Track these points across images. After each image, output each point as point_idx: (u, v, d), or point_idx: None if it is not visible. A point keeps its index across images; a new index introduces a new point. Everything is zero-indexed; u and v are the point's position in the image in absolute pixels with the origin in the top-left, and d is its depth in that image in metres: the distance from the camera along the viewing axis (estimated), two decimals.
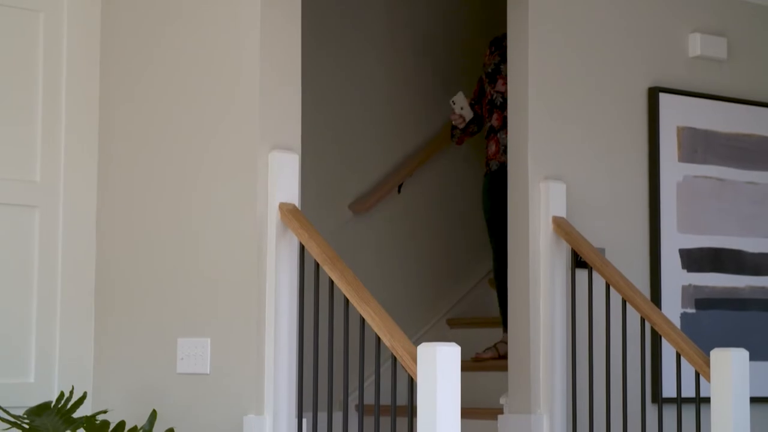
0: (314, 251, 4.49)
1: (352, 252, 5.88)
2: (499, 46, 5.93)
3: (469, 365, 5.82)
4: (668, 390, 5.32)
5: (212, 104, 4.82)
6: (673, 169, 5.75)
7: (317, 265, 4.51)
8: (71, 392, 4.54)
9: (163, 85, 5.00)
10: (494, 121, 5.87)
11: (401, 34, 6.52)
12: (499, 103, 5.84)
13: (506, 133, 5.61)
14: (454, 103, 5.91)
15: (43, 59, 5.10)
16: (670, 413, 5.15)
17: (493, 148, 5.85)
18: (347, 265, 4.47)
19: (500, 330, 6.00)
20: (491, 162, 5.89)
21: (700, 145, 5.85)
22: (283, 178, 4.63)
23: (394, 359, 4.20)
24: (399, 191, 6.40)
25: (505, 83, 5.69)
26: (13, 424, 4.42)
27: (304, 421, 4.58)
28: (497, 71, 5.92)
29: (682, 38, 5.86)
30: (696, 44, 5.86)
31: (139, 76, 5.09)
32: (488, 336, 6.15)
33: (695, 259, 5.78)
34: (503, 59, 5.84)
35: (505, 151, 5.75)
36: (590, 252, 5.16)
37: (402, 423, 4.30)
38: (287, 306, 4.57)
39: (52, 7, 5.13)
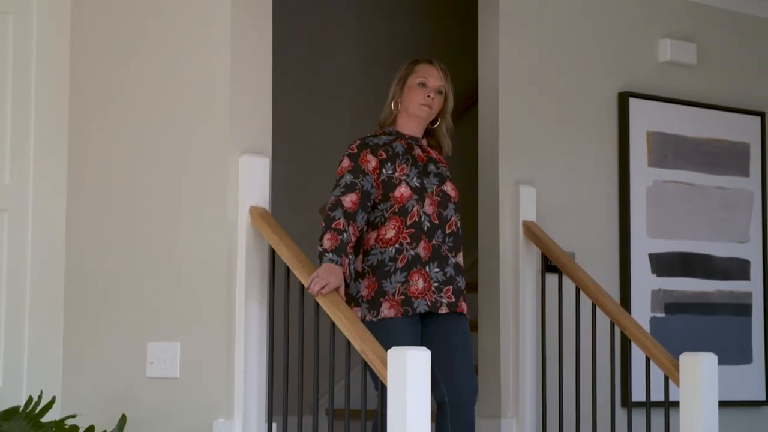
0: (285, 255, 4.49)
1: None
2: None
3: None
4: (638, 394, 5.34)
5: (183, 108, 4.81)
6: (643, 174, 5.77)
7: (288, 270, 4.50)
8: (40, 397, 4.52)
9: (133, 89, 4.99)
10: None
11: (373, 37, 6.53)
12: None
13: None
14: None
15: (12, 61, 5.07)
16: (639, 417, 5.17)
17: None
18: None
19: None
20: None
21: (670, 150, 5.87)
22: (253, 182, 4.62)
23: (365, 363, 4.20)
24: None
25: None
26: None
27: (274, 425, 4.57)
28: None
29: (653, 43, 5.88)
30: (666, 49, 5.89)
31: (110, 80, 5.07)
32: None
33: (665, 264, 5.80)
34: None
35: None
36: (560, 256, 5.17)
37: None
38: (257, 310, 4.56)
39: (22, 10, 5.10)
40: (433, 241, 4.47)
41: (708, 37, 6.05)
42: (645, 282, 5.73)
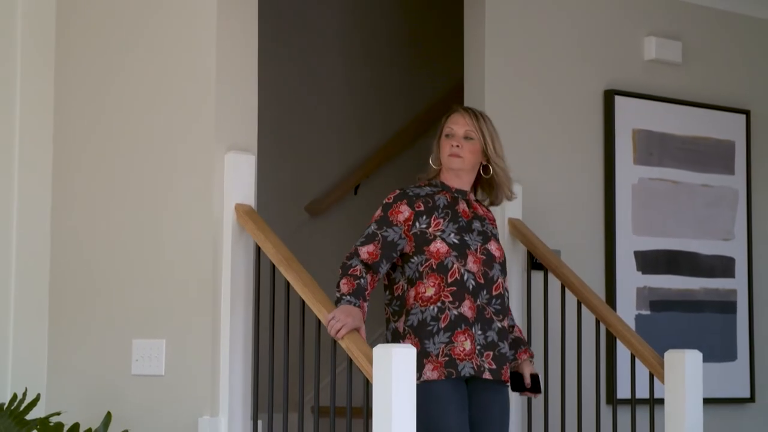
0: (270, 252, 4.48)
1: (309, 253, 5.86)
2: None
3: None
4: (623, 391, 5.34)
5: (168, 105, 4.80)
6: (628, 172, 5.78)
7: (273, 267, 4.50)
8: (24, 394, 4.51)
9: (120, 85, 4.98)
10: None
11: (358, 34, 6.52)
12: None
13: None
14: None
15: None
16: (624, 414, 5.17)
17: None
18: (303, 267, 4.46)
19: None
20: None
21: (656, 148, 5.88)
22: (239, 180, 4.61)
23: (350, 361, 4.20)
24: (356, 193, 6.40)
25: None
26: None
27: (260, 422, 4.57)
28: None
29: (638, 41, 5.89)
30: (651, 47, 5.90)
31: (96, 75, 5.06)
32: None
33: (650, 261, 5.81)
34: None
35: None
36: (546, 254, 5.17)
37: (358, 425, 4.30)
38: (243, 307, 4.56)
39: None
40: (478, 302, 4.24)
41: (693, 35, 6.06)
42: (630, 279, 5.74)
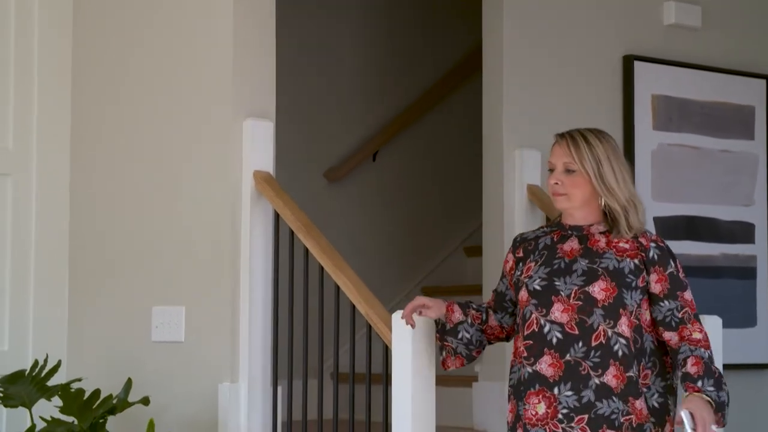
0: (289, 219, 4.48)
1: (327, 220, 5.88)
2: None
3: None
4: None
5: (186, 72, 4.80)
6: (647, 138, 5.76)
7: (292, 233, 4.50)
8: (45, 360, 4.54)
9: (136, 53, 4.97)
10: None
11: (375, 1, 6.50)
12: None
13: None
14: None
15: (14, 24, 5.05)
16: None
17: None
18: (322, 234, 4.47)
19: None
20: None
21: (675, 114, 5.86)
22: (257, 146, 4.61)
23: (369, 327, 4.20)
24: (374, 159, 6.39)
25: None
26: None
27: (279, 388, 4.58)
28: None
29: (657, 6, 5.85)
30: (671, 12, 5.86)
31: (112, 43, 5.05)
32: None
33: (670, 227, 5.80)
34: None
35: None
36: None
37: (377, 390, 4.31)
38: (262, 274, 4.56)
39: None
40: (568, 357, 3.59)
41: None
42: None
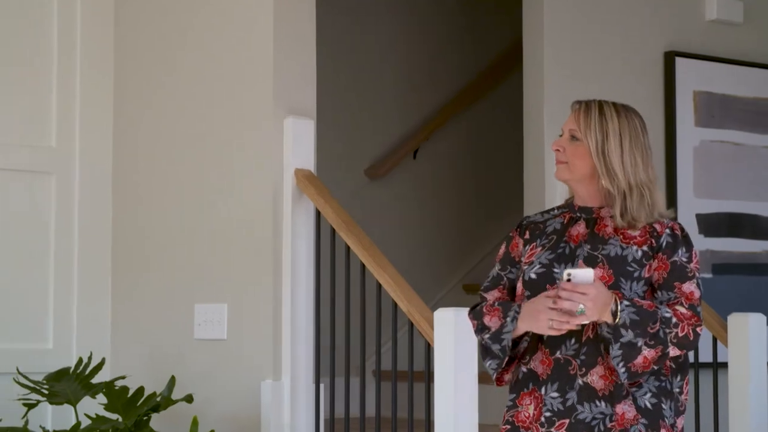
0: (330, 217, 4.49)
1: (368, 217, 5.88)
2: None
3: None
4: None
5: (228, 71, 4.81)
6: (689, 134, 5.73)
7: (333, 231, 4.51)
8: (89, 358, 4.56)
9: (178, 51, 4.99)
10: None
11: None
12: None
13: None
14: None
15: (57, 24, 5.09)
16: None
17: None
18: (363, 231, 4.47)
19: None
20: None
21: (717, 110, 5.82)
22: (298, 144, 4.62)
23: (411, 324, 4.20)
24: (414, 157, 6.39)
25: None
26: (33, 390, 4.44)
27: (322, 386, 4.59)
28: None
29: (699, 2, 5.82)
30: (712, 8, 5.83)
31: (154, 42, 5.08)
32: None
33: (712, 224, 5.77)
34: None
35: None
36: None
37: (419, 388, 4.31)
38: (304, 271, 4.57)
39: None
40: (559, 354, 3.17)
41: None
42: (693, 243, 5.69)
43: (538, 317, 3.12)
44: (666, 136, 5.68)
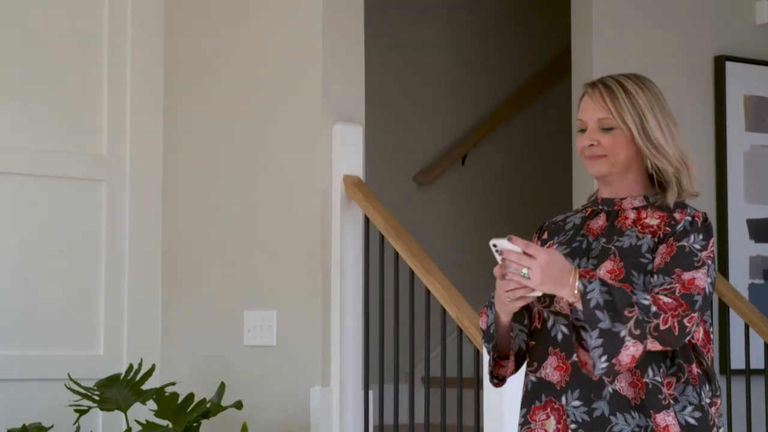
0: (379, 223, 4.49)
1: (417, 224, 5.87)
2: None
3: None
4: (736, 361, 5.27)
5: (276, 78, 4.83)
6: (740, 139, 5.69)
7: (382, 237, 4.51)
8: (140, 364, 4.59)
9: (227, 58, 5.02)
10: None
11: (462, 2, 6.49)
12: None
13: None
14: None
15: (108, 32, 5.12)
16: (738, 384, 5.11)
17: None
18: (412, 237, 4.47)
19: None
20: None
21: (767, 114, 5.78)
22: (347, 151, 4.63)
23: (460, 331, 4.20)
24: (463, 162, 6.38)
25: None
26: (84, 396, 4.47)
27: (371, 393, 4.59)
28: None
29: (749, 5, 5.78)
30: (763, 11, 5.79)
31: (203, 49, 5.10)
32: None
33: (763, 229, 5.72)
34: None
35: None
36: None
37: (468, 395, 4.30)
38: (352, 278, 4.58)
39: None
40: (575, 357, 2.81)
41: None
42: (743, 248, 5.66)
43: (499, 294, 2.82)
44: (716, 141, 5.65)
